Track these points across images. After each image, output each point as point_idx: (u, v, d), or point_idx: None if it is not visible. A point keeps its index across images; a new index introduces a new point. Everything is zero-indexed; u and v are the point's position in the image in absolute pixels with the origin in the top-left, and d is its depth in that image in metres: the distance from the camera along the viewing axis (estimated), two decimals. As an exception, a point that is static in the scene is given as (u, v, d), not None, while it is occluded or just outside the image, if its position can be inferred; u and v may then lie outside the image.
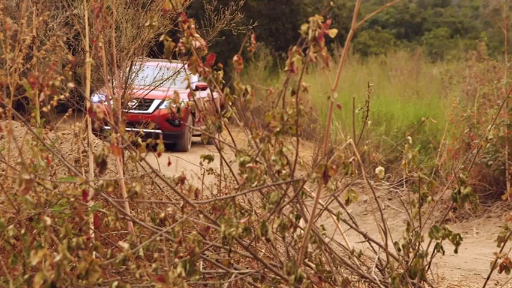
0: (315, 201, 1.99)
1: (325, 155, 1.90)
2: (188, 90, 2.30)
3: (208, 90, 11.11)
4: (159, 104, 11.25)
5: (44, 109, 2.55)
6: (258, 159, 2.08)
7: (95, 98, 8.79)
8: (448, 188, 4.79)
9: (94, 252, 2.07)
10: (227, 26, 5.64)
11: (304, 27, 1.78)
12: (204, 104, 2.38)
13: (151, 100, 10.91)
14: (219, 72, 2.32)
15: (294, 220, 2.05)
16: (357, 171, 2.21)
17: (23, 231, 1.91)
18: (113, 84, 4.65)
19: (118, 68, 4.49)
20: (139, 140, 1.98)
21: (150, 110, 11.15)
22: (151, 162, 2.25)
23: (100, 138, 4.47)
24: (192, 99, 2.36)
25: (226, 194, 3.51)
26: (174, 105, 2.27)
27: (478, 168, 7.46)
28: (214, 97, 2.50)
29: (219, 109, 2.37)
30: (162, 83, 5.72)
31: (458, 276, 4.38)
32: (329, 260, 2.36)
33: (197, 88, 10.39)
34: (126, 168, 3.50)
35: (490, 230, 6.74)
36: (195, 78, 11.02)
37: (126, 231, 2.65)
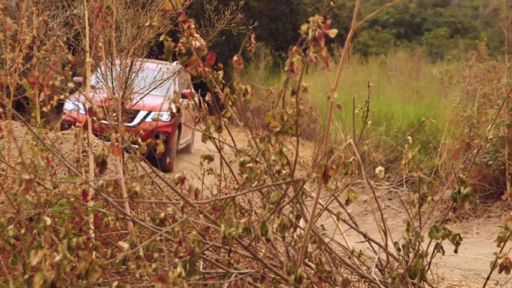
0: (315, 201, 1.98)
1: (325, 155, 1.90)
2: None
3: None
4: (145, 116, 9.88)
5: (44, 109, 2.55)
6: (258, 159, 2.08)
7: (70, 106, 8.17)
8: (448, 188, 4.79)
9: (94, 252, 2.07)
10: (227, 26, 5.64)
11: (304, 27, 1.78)
12: (204, 104, 2.38)
13: (136, 111, 9.62)
14: (219, 72, 2.32)
15: (294, 220, 2.05)
16: (356, 171, 2.21)
17: (23, 231, 1.91)
18: (113, 82, 4.65)
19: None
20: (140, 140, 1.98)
21: (134, 122, 9.72)
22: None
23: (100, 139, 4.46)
24: (191, 100, 2.36)
25: (226, 194, 3.51)
26: (174, 107, 2.27)
27: (478, 168, 7.46)
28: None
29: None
30: (160, 84, 5.60)
31: (458, 276, 4.38)
32: (329, 260, 2.36)
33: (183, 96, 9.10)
34: (126, 168, 3.50)
35: (490, 230, 6.74)
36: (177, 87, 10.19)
37: (126, 231, 2.65)
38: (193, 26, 2.24)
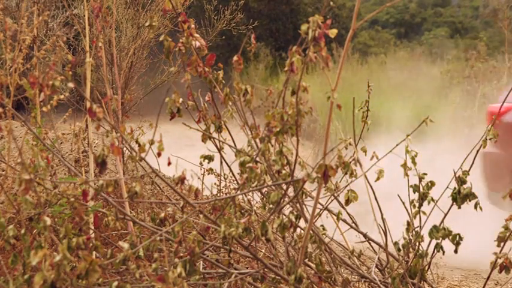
0: (315, 201, 1.98)
1: (325, 155, 1.90)
2: None
3: None
4: None
5: (44, 109, 2.55)
6: (258, 159, 2.07)
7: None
8: (448, 188, 4.77)
9: (94, 252, 2.07)
10: (227, 26, 5.64)
11: (304, 27, 1.78)
12: (204, 104, 2.38)
13: None
14: (219, 72, 2.32)
15: (294, 220, 2.04)
16: (356, 172, 2.21)
17: (23, 231, 1.91)
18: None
19: (118, 67, 4.47)
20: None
21: None
22: (151, 162, 2.25)
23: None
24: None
25: (226, 194, 3.52)
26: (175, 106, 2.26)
27: (478, 168, 7.45)
28: None
29: None
30: None
31: (458, 276, 4.38)
32: (329, 260, 2.36)
33: None
34: (126, 168, 3.50)
35: (490, 230, 6.73)
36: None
37: (126, 231, 2.65)
38: (193, 26, 2.24)
